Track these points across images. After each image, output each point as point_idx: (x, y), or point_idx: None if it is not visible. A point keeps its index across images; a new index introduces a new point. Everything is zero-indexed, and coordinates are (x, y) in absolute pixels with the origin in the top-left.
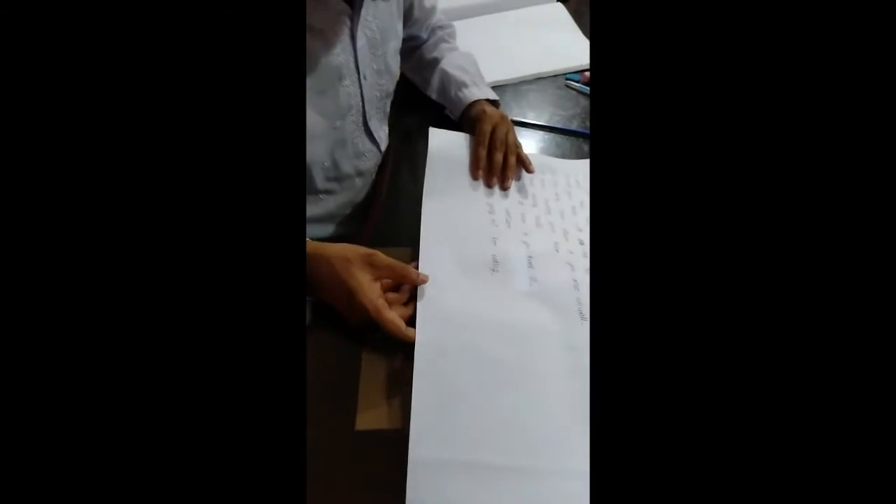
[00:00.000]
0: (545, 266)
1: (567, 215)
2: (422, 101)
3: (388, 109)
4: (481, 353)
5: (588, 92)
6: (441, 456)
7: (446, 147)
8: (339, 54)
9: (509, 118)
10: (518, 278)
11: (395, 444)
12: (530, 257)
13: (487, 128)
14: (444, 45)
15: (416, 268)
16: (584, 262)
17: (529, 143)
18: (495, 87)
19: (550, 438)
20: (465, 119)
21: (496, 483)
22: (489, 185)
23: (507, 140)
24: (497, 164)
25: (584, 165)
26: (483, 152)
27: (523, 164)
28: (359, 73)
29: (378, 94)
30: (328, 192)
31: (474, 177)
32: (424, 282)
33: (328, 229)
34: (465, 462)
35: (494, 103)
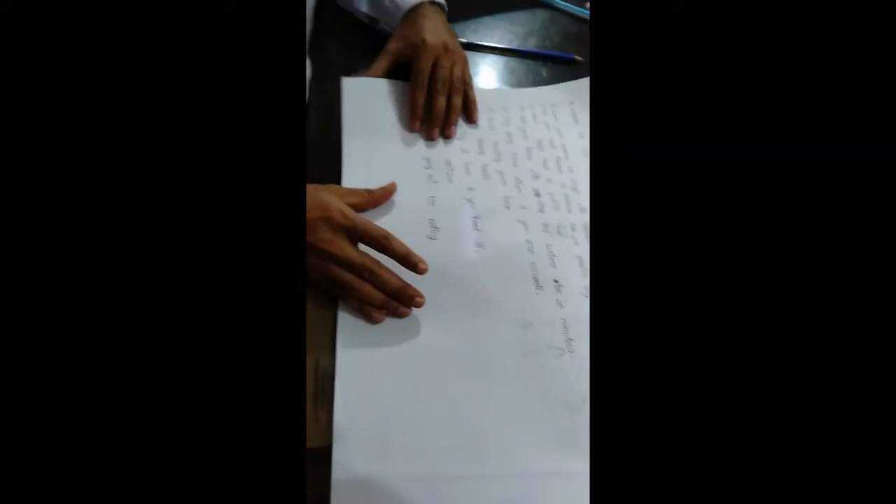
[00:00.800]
0: (494, 227)
1: (521, 160)
2: (346, 22)
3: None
4: (417, 344)
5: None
6: (370, 472)
7: (365, 98)
8: None
9: (456, 36)
10: (462, 244)
11: (319, 462)
12: (476, 217)
13: (426, 64)
14: None
15: None
16: (540, 218)
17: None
18: None
19: (500, 439)
20: (401, 24)
21: (437, 495)
22: (431, 138)
23: (451, 78)
24: (439, 110)
25: (541, 94)
26: (421, 98)
27: (467, 110)
28: None
29: None
30: None
31: (411, 128)
32: (419, 268)
33: None
34: (400, 475)
35: (439, 7)
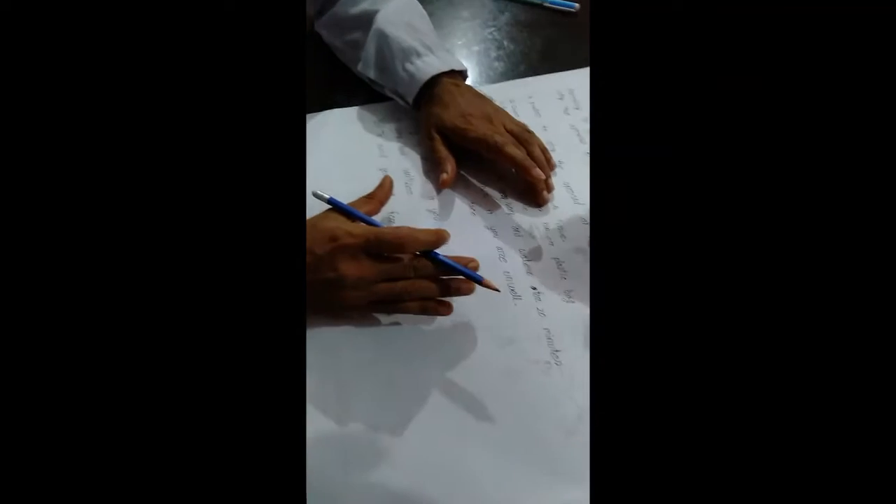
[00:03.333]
0: (460, 236)
1: (485, 161)
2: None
3: None
4: (388, 377)
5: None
6: None
7: (320, 127)
8: None
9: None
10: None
11: None
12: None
13: (487, 130)
14: None
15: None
16: (509, 222)
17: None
18: None
19: (489, 474)
20: (426, 104)
21: None
22: (550, 189)
23: (520, 132)
24: (541, 160)
25: (512, 89)
26: (520, 152)
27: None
28: None
29: None
30: None
31: (546, 193)
32: (445, 239)
33: None
34: None
35: (459, 76)
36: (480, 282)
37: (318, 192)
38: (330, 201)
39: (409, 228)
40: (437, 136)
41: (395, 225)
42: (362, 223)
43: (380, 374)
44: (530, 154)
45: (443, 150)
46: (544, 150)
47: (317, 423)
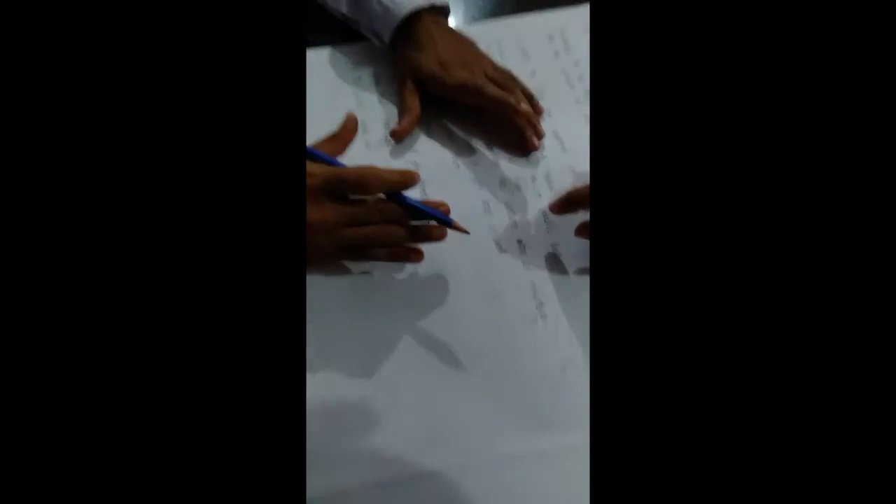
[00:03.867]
0: (444, 189)
1: (468, 112)
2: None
3: None
4: (377, 336)
5: None
6: (346, 483)
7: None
8: None
9: (470, 43)
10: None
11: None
12: (423, 182)
13: (463, 77)
14: None
15: None
16: (495, 174)
17: None
18: None
19: (479, 425)
20: (402, 45)
21: (419, 495)
22: (535, 147)
23: (503, 78)
24: (528, 113)
25: (485, 30)
26: (514, 100)
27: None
28: None
29: None
30: None
31: (535, 147)
32: (414, 179)
33: None
34: (378, 482)
35: (441, 13)
36: (450, 225)
37: None
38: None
39: (373, 167)
40: (409, 84)
41: None
42: (323, 164)
43: (360, 329)
44: (514, 98)
45: (409, 100)
46: (530, 98)
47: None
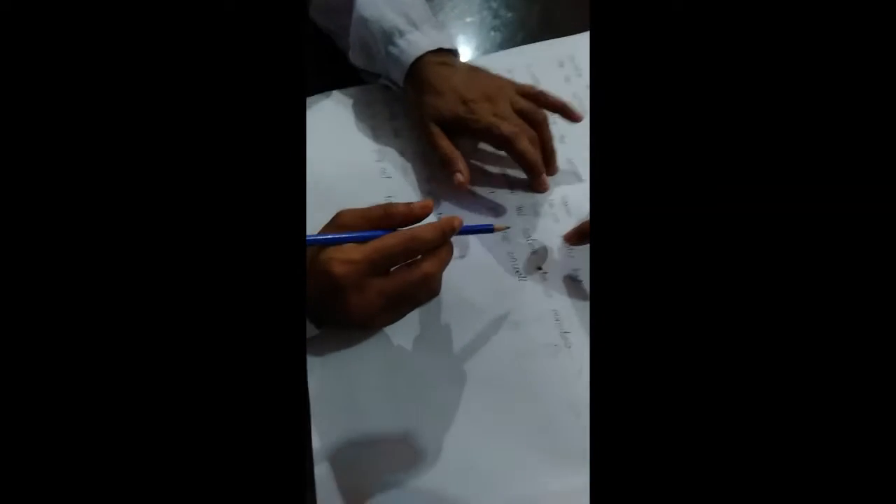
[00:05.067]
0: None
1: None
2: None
3: None
4: (397, 365)
5: None
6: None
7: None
8: None
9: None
10: None
11: None
12: (440, 214)
13: (490, 121)
14: None
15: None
16: (512, 200)
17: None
18: None
19: (503, 460)
20: (418, 92)
21: None
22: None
23: (530, 108)
24: (550, 150)
25: (495, 61)
26: (530, 148)
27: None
28: None
29: None
30: None
31: (544, 188)
32: (428, 210)
33: None
34: None
35: (449, 54)
36: (493, 230)
37: None
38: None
39: (411, 232)
40: (436, 130)
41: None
42: (361, 243)
43: (384, 362)
44: (542, 138)
45: (447, 146)
46: (563, 109)
47: (324, 425)
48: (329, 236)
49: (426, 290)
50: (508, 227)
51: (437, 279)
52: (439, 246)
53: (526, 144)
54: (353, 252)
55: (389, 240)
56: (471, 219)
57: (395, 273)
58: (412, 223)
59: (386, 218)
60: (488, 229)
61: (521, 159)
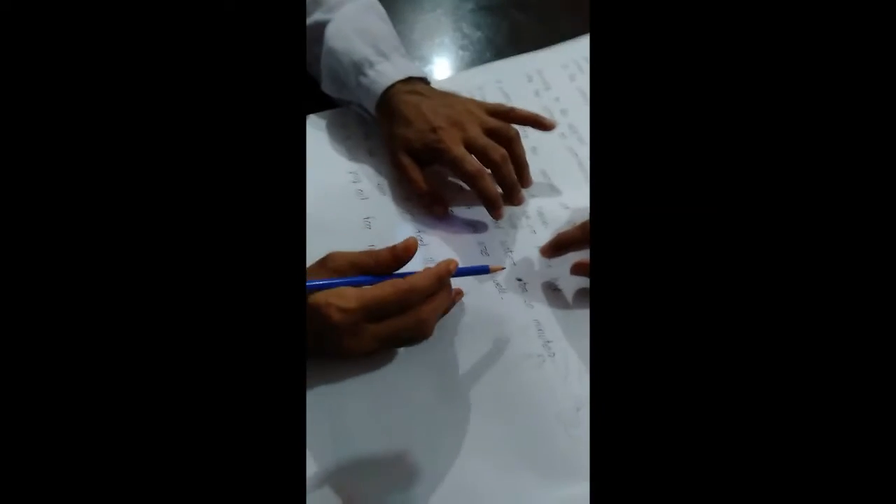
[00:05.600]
0: (440, 236)
1: None
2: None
3: None
4: (383, 387)
5: None
6: None
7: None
8: None
9: (449, 94)
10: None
11: None
12: (420, 232)
13: (458, 149)
14: None
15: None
16: (488, 215)
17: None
18: None
19: (494, 477)
20: (388, 122)
21: None
22: (500, 217)
23: (501, 129)
24: (509, 182)
25: (464, 78)
26: (488, 185)
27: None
28: None
29: None
30: None
31: (499, 217)
32: (411, 251)
33: None
34: None
35: (420, 82)
36: (488, 270)
37: None
38: None
39: (408, 282)
40: (406, 162)
41: (372, 233)
42: (352, 288)
43: (369, 383)
44: (513, 154)
45: (418, 179)
46: (536, 122)
47: (310, 447)
48: (323, 282)
49: (420, 334)
50: (503, 268)
51: (432, 324)
52: (436, 291)
53: (487, 183)
54: (350, 299)
55: (387, 289)
56: (449, 235)
57: (390, 318)
58: (401, 266)
59: (375, 267)
60: (483, 270)
61: (481, 196)
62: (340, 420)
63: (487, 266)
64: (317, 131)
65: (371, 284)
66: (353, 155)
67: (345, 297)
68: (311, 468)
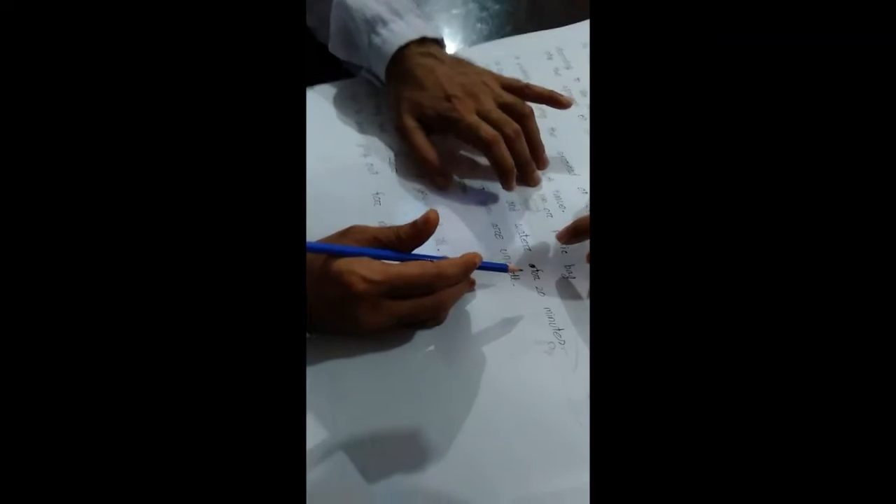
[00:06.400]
0: (453, 215)
1: None
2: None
3: None
4: (391, 370)
5: None
6: None
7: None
8: None
9: (465, 62)
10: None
11: None
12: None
13: (471, 116)
14: None
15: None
16: (503, 196)
17: None
18: None
19: (502, 463)
20: (398, 84)
21: None
22: (510, 188)
23: (515, 102)
24: (523, 158)
25: (482, 52)
26: (504, 153)
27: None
28: None
29: None
30: None
31: (511, 188)
32: (433, 225)
33: None
34: None
35: (434, 44)
36: (507, 270)
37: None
38: (309, 248)
39: (437, 266)
40: (412, 125)
41: (381, 209)
42: (376, 261)
43: (377, 364)
44: (527, 131)
45: (423, 145)
46: (550, 99)
47: (317, 428)
48: (345, 247)
49: (435, 319)
50: (521, 270)
51: (448, 309)
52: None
53: (502, 150)
54: (376, 272)
55: (415, 269)
56: (462, 213)
57: (411, 298)
58: (423, 241)
59: (397, 243)
60: (503, 269)
61: (496, 165)
62: (345, 399)
63: (507, 266)
64: (325, 102)
65: (392, 260)
66: (363, 129)
67: (371, 269)
68: (316, 444)
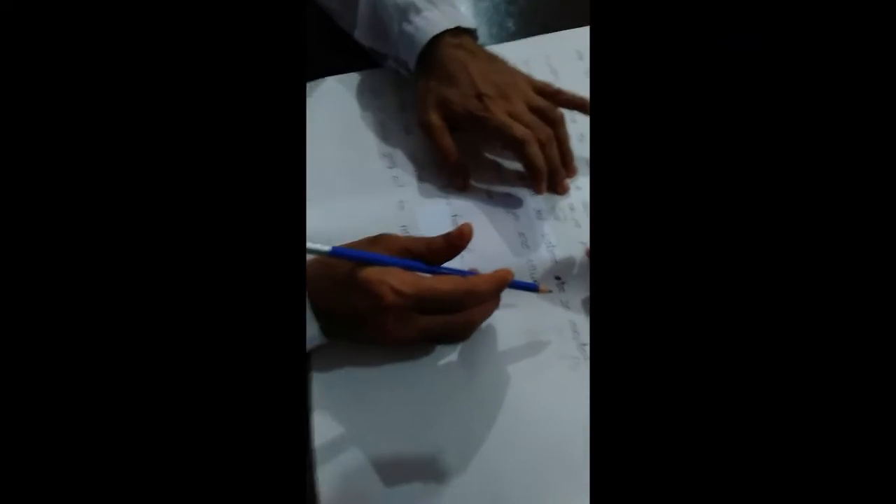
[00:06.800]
0: (478, 223)
1: None
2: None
3: None
4: (410, 384)
5: None
6: None
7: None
8: None
9: (498, 60)
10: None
11: None
12: (455, 217)
13: (502, 116)
14: None
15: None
16: (530, 203)
17: None
18: None
19: (526, 483)
20: (428, 76)
21: None
22: (540, 192)
23: (546, 107)
24: (554, 163)
25: (510, 50)
26: (537, 152)
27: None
28: None
29: None
30: None
31: (541, 191)
32: (467, 239)
33: None
34: None
35: (468, 35)
36: (537, 289)
37: (315, 245)
38: (333, 253)
39: (469, 282)
40: (438, 123)
41: (404, 214)
42: (407, 272)
43: (395, 374)
44: (558, 138)
45: (450, 148)
46: (581, 105)
47: (332, 437)
48: (383, 257)
49: (463, 336)
50: (550, 291)
51: (476, 328)
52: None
53: (536, 150)
54: (407, 284)
55: (447, 285)
56: (488, 222)
57: (441, 314)
58: (455, 254)
59: (428, 255)
60: (533, 288)
61: (528, 165)
62: (362, 410)
63: (537, 286)
64: (343, 97)
65: (422, 272)
66: (386, 132)
67: (402, 280)
68: (331, 454)
